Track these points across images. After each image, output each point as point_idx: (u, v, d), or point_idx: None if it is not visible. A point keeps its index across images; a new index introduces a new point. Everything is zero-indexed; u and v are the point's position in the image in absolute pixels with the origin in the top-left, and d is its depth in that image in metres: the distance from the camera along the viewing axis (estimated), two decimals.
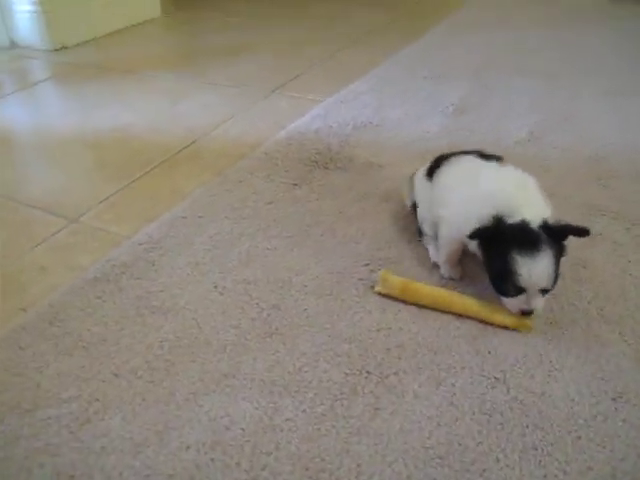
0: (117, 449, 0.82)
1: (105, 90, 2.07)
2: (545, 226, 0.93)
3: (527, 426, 0.84)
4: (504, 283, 0.96)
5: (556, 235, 0.94)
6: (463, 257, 1.11)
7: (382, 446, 0.81)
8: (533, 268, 0.91)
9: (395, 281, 1.06)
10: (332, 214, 1.30)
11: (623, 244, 1.21)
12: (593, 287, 1.10)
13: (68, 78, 2.20)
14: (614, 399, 0.88)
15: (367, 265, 1.14)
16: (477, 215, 0.96)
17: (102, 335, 1.00)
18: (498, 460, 0.79)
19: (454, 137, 1.64)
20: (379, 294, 1.07)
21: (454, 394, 0.89)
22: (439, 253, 1.12)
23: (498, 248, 0.95)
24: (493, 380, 0.91)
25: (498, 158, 1.12)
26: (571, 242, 0.96)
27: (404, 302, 1.05)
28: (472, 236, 0.96)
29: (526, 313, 0.96)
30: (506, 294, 0.97)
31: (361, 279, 1.11)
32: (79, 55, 2.42)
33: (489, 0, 3.12)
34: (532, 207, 0.96)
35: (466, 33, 2.58)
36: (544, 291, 0.95)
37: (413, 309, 1.04)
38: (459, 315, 1.03)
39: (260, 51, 2.41)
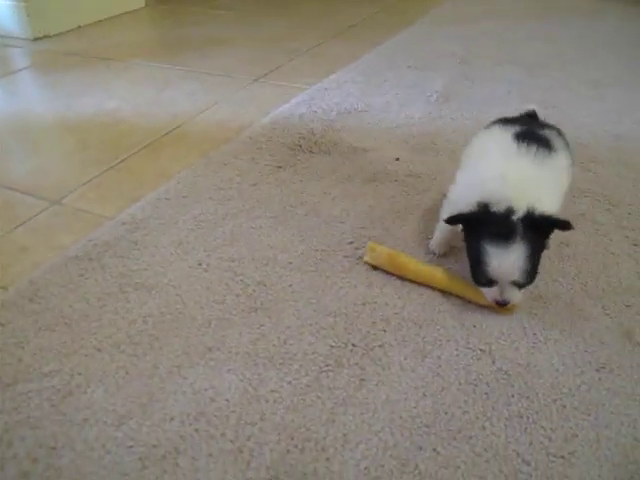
0: (100, 421, 0.81)
1: (88, 78, 2.05)
2: (527, 217, 0.89)
3: (512, 395, 0.84)
4: (477, 273, 0.94)
5: (538, 227, 0.91)
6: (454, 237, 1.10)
7: (368, 416, 0.81)
8: (503, 260, 0.89)
9: (383, 251, 1.06)
10: (316, 195, 1.30)
11: (605, 224, 1.22)
12: (576, 264, 1.10)
13: (50, 66, 2.17)
14: (598, 370, 0.88)
15: (351, 243, 1.14)
16: (468, 201, 0.94)
17: (84, 311, 0.99)
18: (484, 428, 0.79)
19: (438, 123, 1.65)
20: (367, 264, 1.07)
21: (440, 366, 0.89)
22: (435, 230, 1.11)
23: (474, 236, 0.94)
24: (478, 352, 0.91)
25: (540, 139, 1.02)
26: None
27: (390, 276, 1.05)
28: (448, 221, 0.95)
29: (500, 304, 0.94)
30: (479, 284, 0.95)
31: (346, 256, 1.11)
32: (61, 44, 2.40)
33: None
34: (528, 197, 0.90)
35: (450, 25, 2.59)
36: (520, 285, 0.92)
37: (398, 284, 1.04)
38: (443, 291, 1.03)
39: (243, 43, 2.40)
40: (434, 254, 1.11)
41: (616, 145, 1.54)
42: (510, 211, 0.90)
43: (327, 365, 0.88)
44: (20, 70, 2.16)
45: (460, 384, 0.86)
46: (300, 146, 1.50)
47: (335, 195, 1.30)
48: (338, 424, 0.80)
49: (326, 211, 1.24)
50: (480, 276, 0.94)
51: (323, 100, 1.78)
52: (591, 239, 1.17)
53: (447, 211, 1.04)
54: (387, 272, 1.06)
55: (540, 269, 0.97)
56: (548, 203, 0.93)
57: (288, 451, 0.76)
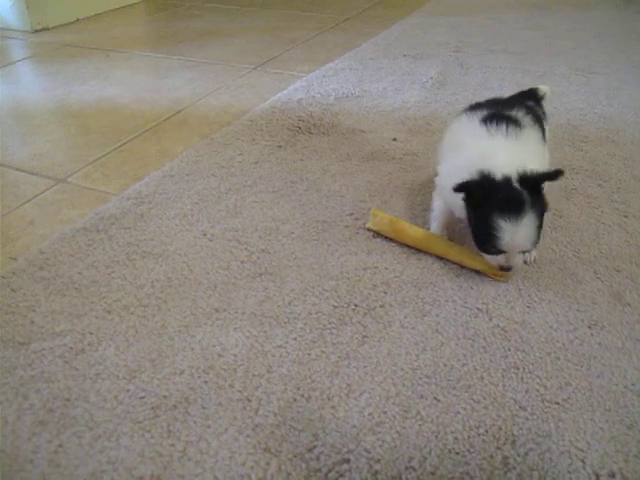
0: (112, 375, 0.84)
1: (88, 67, 2.08)
2: (523, 179, 0.92)
3: (509, 349, 0.88)
4: (486, 243, 0.95)
5: (534, 185, 0.93)
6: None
7: (371, 368, 0.84)
8: (515, 233, 0.91)
9: (384, 217, 1.10)
10: (316, 172, 1.33)
11: (597, 197, 1.26)
12: (569, 233, 1.14)
13: (49, 56, 2.20)
14: (590, 326, 0.92)
15: (351, 215, 1.18)
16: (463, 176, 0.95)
17: (93, 277, 1.02)
18: (482, 378, 0.83)
19: (433, 107, 1.69)
20: (369, 230, 1.11)
21: (439, 323, 0.92)
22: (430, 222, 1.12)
23: (482, 208, 0.94)
24: (476, 310, 0.95)
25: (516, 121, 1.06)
26: (549, 196, 0.97)
27: (389, 244, 1.09)
28: (457, 189, 0.95)
29: (505, 269, 0.97)
30: (487, 253, 0.97)
31: (347, 226, 1.14)
32: (60, 36, 2.43)
33: None
34: (514, 165, 0.93)
35: (443, 17, 2.64)
36: (526, 251, 0.97)
37: (398, 251, 1.07)
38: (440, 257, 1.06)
39: (241, 34, 2.44)
40: None
41: (606, 126, 1.59)
42: (507, 178, 0.92)
43: (330, 323, 0.92)
44: (20, 60, 2.18)
45: (459, 339, 0.89)
46: (299, 128, 1.54)
47: (335, 172, 1.33)
48: (342, 376, 0.83)
49: (326, 186, 1.28)
50: (489, 246, 0.95)
51: (321, 86, 1.82)
52: (583, 211, 1.21)
53: (438, 200, 1.07)
54: (386, 239, 1.10)
55: None
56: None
57: (295, 400, 0.80)
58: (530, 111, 1.12)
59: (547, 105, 1.58)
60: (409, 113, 1.64)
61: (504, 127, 1.02)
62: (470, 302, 0.96)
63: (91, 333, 0.91)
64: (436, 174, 1.11)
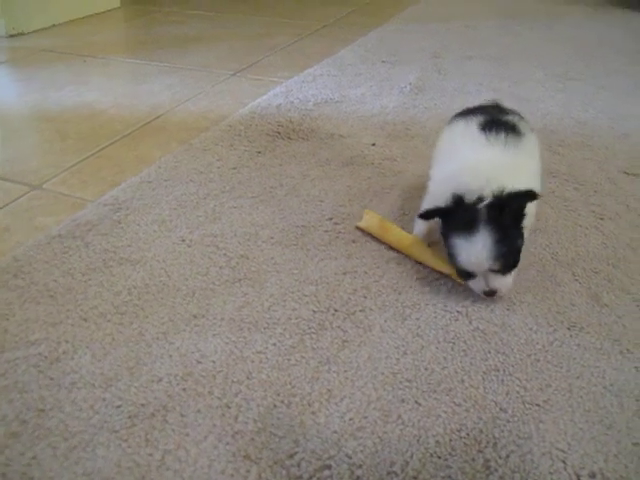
0: (88, 384, 0.82)
1: (65, 73, 2.05)
2: (494, 201, 0.89)
3: (489, 351, 0.88)
4: (455, 268, 0.94)
5: (508, 207, 0.89)
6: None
7: (351, 373, 0.84)
8: (470, 251, 0.89)
9: (375, 216, 1.12)
10: (295, 177, 1.33)
11: (573, 200, 1.27)
12: (547, 236, 1.15)
13: (25, 62, 2.18)
14: (569, 328, 0.93)
15: (331, 219, 1.17)
16: (446, 195, 0.94)
17: (69, 285, 1.00)
18: (463, 381, 0.83)
19: (411, 112, 1.69)
20: (357, 228, 1.14)
21: (419, 327, 0.92)
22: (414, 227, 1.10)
23: (447, 231, 0.93)
24: (456, 314, 0.95)
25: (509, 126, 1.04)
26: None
27: (369, 248, 1.08)
28: (422, 216, 0.95)
29: (489, 294, 0.94)
30: (462, 278, 0.96)
31: (326, 231, 1.14)
32: (36, 41, 2.40)
33: None
34: (499, 183, 0.90)
35: (421, 24, 2.66)
36: (501, 271, 0.91)
37: (377, 255, 1.07)
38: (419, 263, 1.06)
39: (219, 41, 2.43)
40: None
41: (581, 131, 1.60)
42: (480, 200, 0.90)
43: (310, 328, 0.91)
44: None
45: (439, 342, 0.89)
46: (279, 133, 1.53)
47: (314, 177, 1.33)
48: (322, 381, 0.82)
49: (305, 191, 1.27)
50: (459, 271, 0.95)
51: (300, 92, 1.82)
52: (560, 214, 1.22)
53: (427, 205, 1.03)
54: (366, 243, 1.10)
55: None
56: (525, 185, 0.92)
57: (275, 406, 0.79)
58: (523, 117, 1.12)
59: (525, 111, 1.60)
60: (388, 118, 1.64)
61: (503, 135, 1.01)
62: (450, 305, 0.96)
63: (67, 341, 0.89)
64: (428, 178, 1.09)
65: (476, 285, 0.94)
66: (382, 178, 1.33)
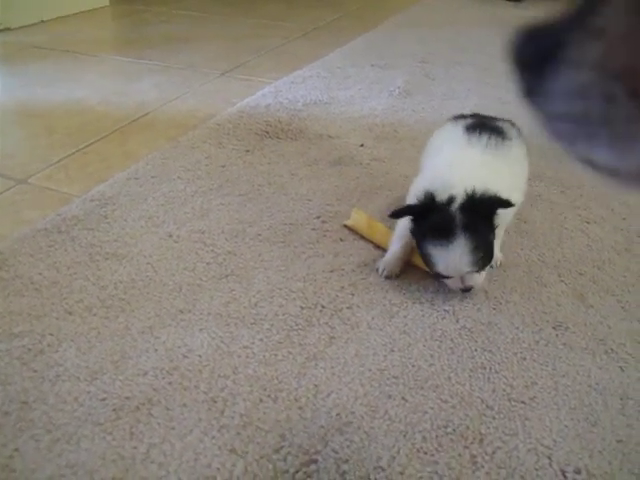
0: (72, 377, 0.81)
1: (53, 69, 2.03)
2: (467, 202, 0.90)
3: (476, 350, 0.88)
4: (430, 269, 0.95)
5: (480, 209, 0.91)
6: None
7: (339, 369, 0.84)
8: (448, 260, 0.90)
9: (364, 215, 1.13)
10: (284, 176, 1.33)
11: (559, 204, 1.28)
12: (534, 238, 1.16)
13: (12, 57, 2.15)
14: (554, 327, 0.93)
15: (318, 217, 1.17)
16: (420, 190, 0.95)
17: (54, 278, 0.99)
18: (449, 378, 0.83)
19: (400, 115, 1.70)
20: (345, 226, 1.14)
21: (406, 324, 0.92)
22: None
23: (419, 232, 0.94)
24: (443, 312, 0.95)
25: (495, 129, 1.06)
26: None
27: (357, 247, 1.09)
28: (392, 215, 0.95)
29: (465, 291, 0.96)
30: (437, 278, 0.97)
31: (314, 229, 1.14)
32: (24, 37, 2.37)
33: (431, 3, 3.24)
34: (474, 182, 0.91)
35: (410, 30, 2.67)
36: (476, 270, 0.92)
37: (365, 254, 1.07)
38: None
39: (209, 41, 2.43)
40: (385, 277, 1.01)
41: None
42: (451, 199, 0.91)
43: (297, 324, 0.91)
44: None
45: (426, 340, 0.89)
46: (267, 132, 1.53)
47: (302, 176, 1.33)
48: (309, 376, 0.82)
49: (293, 190, 1.27)
50: (434, 273, 0.95)
51: (289, 92, 1.82)
52: (547, 217, 1.23)
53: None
54: (354, 241, 1.10)
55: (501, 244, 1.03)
56: (504, 188, 0.93)
57: (261, 400, 0.78)
58: (513, 124, 1.13)
59: (506, 115, 1.60)
60: (376, 120, 1.65)
61: (486, 138, 1.02)
62: (437, 304, 0.97)
63: (51, 334, 0.88)
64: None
65: (452, 283, 0.96)
66: (370, 178, 1.34)
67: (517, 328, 0.93)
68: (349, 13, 3.02)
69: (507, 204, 0.91)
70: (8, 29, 2.41)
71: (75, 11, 2.68)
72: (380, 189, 1.30)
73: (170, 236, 1.10)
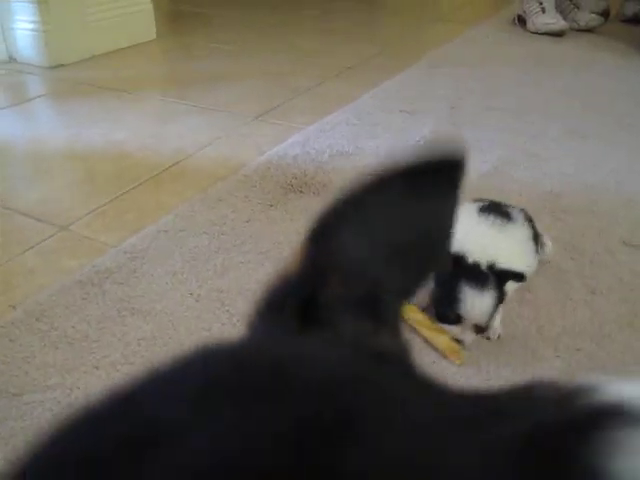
0: None
1: (98, 108, 2.18)
2: (491, 268, 1.04)
3: None
4: (446, 308, 1.06)
5: (499, 277, 1.04)
6: None
7: None
8: (476, 301, 1.02)
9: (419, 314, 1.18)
10: (304, 233, 1.41)
11: (567, 271, 1.32)
12: (535, 308, 1.21)
13: (63, 95, 2.31)
14: None
15: None
16: None
17: (85, 332, 1.10)
18: None
19: None
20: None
21: None
22: None
23: (449, 277, 1.05)
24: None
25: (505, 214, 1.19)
26: None
27: None
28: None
29: (457, 342, 1.07)
30: (445, 319, 1.08)
31: None
32: (75, 73, 2.53)
33: (470, 38, 3.29)
34: (492, 252, 1.06)
35: (444, 68, 2.73)
36: (478, 330, 1.06)
37: None
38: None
39: (246, 79, 2.54)
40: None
41: (588, 195, 1.66)
42: (477, 265, 1.04)
43: None
44: (35, 98, 2.29)
45: None
46: (292, 186, 1.62)
47: None
48: None
49: None
50: (450, 312, 1.05)
51: (317, 141, 1.90)
52: (552, 285, 1.28)
53: None
54: None
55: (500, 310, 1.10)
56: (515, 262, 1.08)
57: None
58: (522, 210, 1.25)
59: (530, 170, 1.64)
60: None
61: (492, 217, 1.15)
62: (429, 374, 1.03)
63: (78, 388, 0.98)
64: None
65: (452, 330, 1.07)
66: None
67: None
68: (387, 47, 3.09)
69: (520, 277, 1.06)
70: (62, 65, 2.57)
71: (124, 45, 2.83)
72: None
73: (191, 294, 1.20)
